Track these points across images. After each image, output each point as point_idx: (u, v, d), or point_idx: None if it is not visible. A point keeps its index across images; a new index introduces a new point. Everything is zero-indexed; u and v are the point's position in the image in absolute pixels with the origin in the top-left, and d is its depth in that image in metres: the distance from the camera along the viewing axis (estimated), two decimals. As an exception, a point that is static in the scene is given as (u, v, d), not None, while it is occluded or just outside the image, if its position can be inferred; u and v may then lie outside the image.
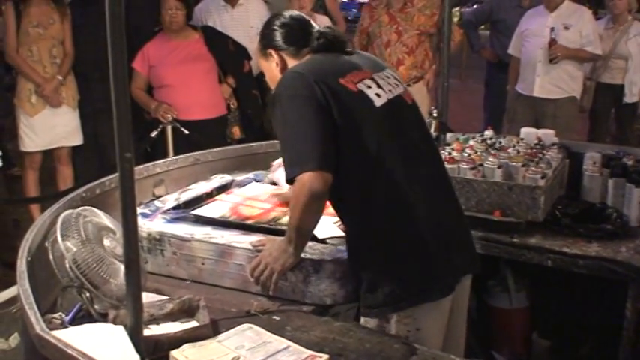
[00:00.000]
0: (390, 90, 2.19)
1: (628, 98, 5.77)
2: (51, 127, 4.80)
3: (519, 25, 5.38)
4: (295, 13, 2.38)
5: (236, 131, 4.78)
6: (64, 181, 4.98)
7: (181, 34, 4.51)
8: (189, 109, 4.44)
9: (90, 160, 5.14)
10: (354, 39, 5.08)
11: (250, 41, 5.03)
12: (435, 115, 3.39)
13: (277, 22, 2.28)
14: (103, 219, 2.17)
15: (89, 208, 2.17)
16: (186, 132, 4.39)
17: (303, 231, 2.09)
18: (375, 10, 5.04)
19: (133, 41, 4.54)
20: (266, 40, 2.29)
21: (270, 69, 2.30)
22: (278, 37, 2.25)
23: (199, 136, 4.34)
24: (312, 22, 2.33)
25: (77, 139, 4.95)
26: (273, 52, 2.26)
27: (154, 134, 4.43)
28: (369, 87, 2.14)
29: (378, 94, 2.14)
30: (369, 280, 2.08)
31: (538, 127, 4.99)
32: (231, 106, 4.75)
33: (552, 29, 5.00)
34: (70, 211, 2.10)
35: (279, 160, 2.83)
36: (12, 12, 4.62)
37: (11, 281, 2.35)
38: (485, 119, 6.29)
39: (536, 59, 5.13)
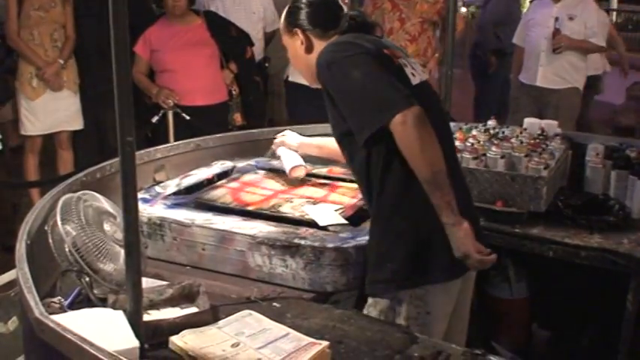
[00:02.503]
0: (419, 73, 2.16)
1: None
2: (52, 110, 4.78)
3: (524, 15, 5.36)
4: None
5: (237, 118, 4.75)
6: (64, 165, 4.96)
7: (184, 18, 4.48)
8: (190, 94, 4.41)
9: (91, 144, 5.12)
10: None
11: (253, 27, 5.04)
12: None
13: (305, 1, 2.22)
14: (104, 203, 2.15)
15: (89, 192, 2.15)
16: (188, 117, 4.36)
17: (438, 175, 1.89)
18: None
19: (134, 25, 4.52)
20: (291, 18, 2.23)
21: (294, 47, 2.24)
22: (304, 16, 2.20)
23: (201, 121, 4.32)
24: (341, 4, 2.27)
25: (78, 124, 4.93)
26: (298, 31, 2.21)
27: (155, 119, 4.40)
28: (406, 65, 2.11)
29: (413, 74, 2.11)
30: (380, 254, 2.05)
31: (541, 117, 5.01)
32: (233, 92, 4.72)
33: (557, 19, 4.98)
34: (70, 195, 2.08)
35: (283, 137, 2.91)
36: (14, -5, 4.59)
37: (10, 265, 2.33)
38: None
39: (540, 49, 5.11)
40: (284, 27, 2.27)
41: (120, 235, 2.04)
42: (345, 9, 2.26)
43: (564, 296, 3.11)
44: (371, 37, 2.16)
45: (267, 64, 5.26)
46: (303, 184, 2.73)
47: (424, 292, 2.04)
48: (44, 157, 5.05)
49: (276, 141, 2.92)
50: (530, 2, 8.06)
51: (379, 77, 1.95)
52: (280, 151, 2.88)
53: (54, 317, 1.72)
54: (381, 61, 2.01)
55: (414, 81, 2.09)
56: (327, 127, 3.21)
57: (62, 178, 4.70)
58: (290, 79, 4.93)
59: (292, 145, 2.85)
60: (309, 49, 2.20)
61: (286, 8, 2.28)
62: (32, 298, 1.74)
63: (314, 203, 2.52)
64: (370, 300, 2.10)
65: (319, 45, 2.16)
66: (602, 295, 2.90)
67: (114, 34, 1.56)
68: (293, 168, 2.75)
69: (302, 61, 2.24)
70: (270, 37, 5.30)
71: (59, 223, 2.00)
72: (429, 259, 2.03)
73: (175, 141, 4.26)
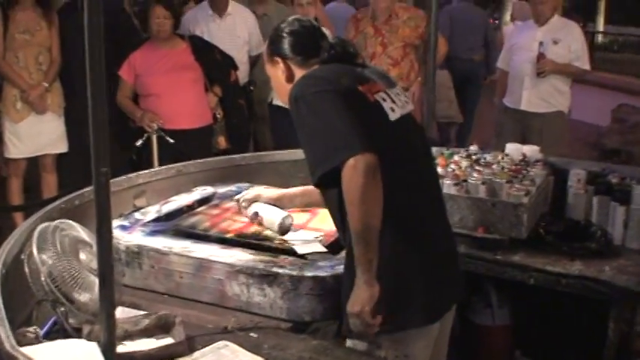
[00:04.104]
0: (401, 106, 2.12)
1: None
2: (36, 133, 4.77)
3: (508, 39, 5.38)
4: (306, 20, 2.30)
5: (222, 141, 4.75)
6: (48, 188, 4.94)
7: (168, 42, 4.48)
8: (175, 118, 4.40)
9: (75, 167, 5.09)
10: None
11: (237, 51, 5.04)
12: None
13: (286, 29, 2.21)
14: (80, 232, 2.14)
15: (66, 221, 2.13)
16: (172, 141, 4.36)
17: (369, 231, 1.86)
18: (360, 22, 5.03)
19: (121, 49, 4.52)
20: (273, 47, 2.22)
21: (276, 75, 2.23)
22: (286, 44, 2.19)
23: (185, 145, 4.31)
24: (324, 32, 2.26)
25: (62, 147, 4.92)
26: (279, 60, 2.20)
27: (139, 143, 4.39)
28: (384, 100, 2.07)
29: (392, 109, 2.07)
30: None
31: (525, 141, 5.02)
32: (217, 115, 4.72)
33: (541, 43, 5.00)
34: (46, 223, 2.07)
35: (253, 192, 2.68)
36: (-1, 17, 4.59)
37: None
38: None
39: (524, 73, 5.11)
40: (266, 55, 2.27)
41: (95, 265, 2.02)
42: (329, 36, 2.26)
43: (547, 323, 3.10)
44: (350, 70, 2.13)
45: (252, 88, 5.26)
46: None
47: (403, 336, 2.01)
48: (28, 180, 5.02)
49: (246, 197, 2.65)
50: (512, 21, 8.15)
51: (342, 117, 1.90)
52: (256, 207, 2.58)
53: (26, 349, 1.70)
54: (350, 99, 1.96)
55: (393, 116, 2.06)
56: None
57: (46, 202, 4.69)
58: (274, 102, 4.94)
59: (271, 198, 2.63)
60: (289, 78, 2.18)
61: (269, 37, 2.28)
62: (3, 331, 1.71)
63: (294, 230, 2.50)
64: (349, 342, 2.05)
65: (300, 73, 2.15)
66: (585, 322, 2.89)
67: (89, 67, 1.55)
68: (283, 220, 2.48)
69: (283, 90, 2.21)
70: (255, 61, 5.31)
71: (35, 252, 1.99)
72: (408, 302, 2.00)
73: (160, 164, 4.28)
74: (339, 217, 2.06)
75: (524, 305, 3.13)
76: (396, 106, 2.09)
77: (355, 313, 1.91)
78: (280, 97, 2.28)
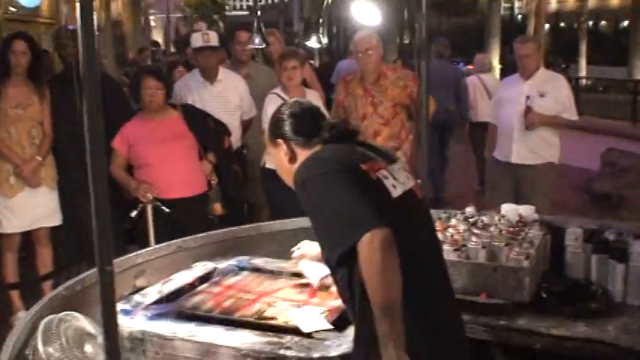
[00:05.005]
0: (402, 183, 2.14)
1: None
2: (30, 207, 4.74)
3: (495, 93, 5.46)
4: (306, 102, 2.37)
5: (217, 207, 4.75)
6: (43, 263, 4.88)
7: (161, 112, 4.51)
8: (170, 187, 4.41)
9: (70, 240, 5.08)
10: (330, 112, 5.11)
11: (230, 116, 5.09)
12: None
13: (287, 112, 2.26)
14: (85, 324, 2.13)
15: (70, 312, 2.13)
16: (167, 210, 4.36)
17: (392, 304, 1.85)
18: (350, 84, 5.09)
19: (113, 122, 4.54)
20: (275, 129, 2.27)
21: (279, 157, 2.27)
22: (287, 126, 2.23)
23: (180, 214, 4.31)
24: (324, 112, 2.31)
25: (56, 219, 4.88)
26: (281, 142, 2.24)
27: (134, 214, 4.39)
28: (386, 177, 2.09)
29: (394, 186, 2.10)
30: None
31: (518, 193, 5.07)
32: (212, 182, 4.74)
33: (528, 97, 5.08)
34: (51, 316, 2.06)
35: (302, 250, 2.81)
36: (-10, 94, 4.62)
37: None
38: None
39: (512, 126, 5.18)
40: (268, 137, 2.31)
41: (101, 357, 2.00)
42: (327, 115, 2.30)
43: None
44: (352, 149, 2.17)
45: (245, 152, 5.30)
46: (285, 286, 2.72)
47: None
48: (22, 252, 4.99)
49: (295, 254, 2.84)
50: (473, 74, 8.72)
51: (351, 195, 1.94)
52: (302, 264, 2.77)
53: None
54: (355, 178, 2.00)
55: (395, 193, 2.08)
56: (305, 220, 3.23)
57: (42, 278, 4.66)
58: (267, 166, 4.97)
59: (314, 256, 2.73)
60: (292, 159, 2.22)
61: (269, 119, 2.33)
62: None
63: (298, 306, 2.50)
64: None
65: (303, 154, 2.19)
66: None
67: (90, 166, 1.57)
68: (323, 279, 2.61)
69: (286, 171, 2.25)
70: (248, 125, 5.36)
71: (40, 345, 1.98)
72: None
73: (155, 234, 4.28)
74: (349, 295, 2.06)
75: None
76: (397, 182, 2.12)
77: None
78: (284, 178, 2.30)
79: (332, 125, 2.23)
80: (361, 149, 2.19)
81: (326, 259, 2.09)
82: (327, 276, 2.51)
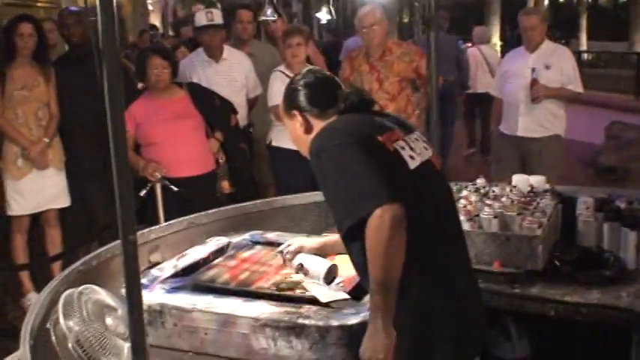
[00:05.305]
0: (420, 153, 2.13)
1: None
2: (38, 189, 4.75)
3: (500, 66, 5.44)
4: (320, 72, 2.33)
5: (225, 185, 4.76)
6: (52, 243, 4.90)
7: (167, 92, 4.51)
8: (178, 166, 4.41)
9: (78, 220, 5.09)
10: None
11: (236, 95, 5.09)
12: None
13: (302, 82, 2.23)
14: (105, 296, 2.14)
15: (90, 286, 2.14)
16: (176, 189, 4.36)
17: (390, 280, 1.88)
18: (355, 60, 5.08)
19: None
20: (289, 100, 2.25)
21: (294, 129, 2.25)
22: (302, 97, 2.21)
23: (189, 192, 4.32)
24: (339, 82, 2.29)
25: (65, 201, 4.89)
26: (297, 113, 2.22)
27: (142, 193, 4.39)
28: (403, 148, 2.08)
29: (411, 157, 2.08)
30: None
31: (525, 166, 5.06)
32: (220, 160, 4.74)
33: (533, 69, 5.06)
34: (71, 290, 2.08)
35: (294, 245, 2.67)
36: (-4, 76, 4.61)
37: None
38: None
39: (518, 99, 5.17)
40: (283, 109, 2.29)
41: (122, 329, 2.03)
42: (343, 86, 2.29)
43: (568, 353, 3.10)
44: (368, 119, 2.15)
45: (251, 130, 5.30)
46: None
47: None
48: (31, 234, 5.01)
49: (289, 249, 2.65)
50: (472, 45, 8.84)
51: (366, 168, 1.92)
52: (301, 258, 2.57)
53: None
54: (371, 150, 1.99)
55: (413, 164, 2.07)
56: (315, 195, 3.24)
57: (52, 259, 4.68)
58: (273, 144, 4.97)
59: (313, 248, 2.64)
60: (308, 130, 2.20)
61: (284, 90, 2.30)
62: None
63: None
64: None
65: (318, 125, 2.17)
66: (607, 350, 2.89)
67: (113, 143, 1.56)
68: (329, 270, 2.47)
69: (302, 142, 2.23)
70: (253, 103, 5.35)
71: (61, 319, 1.99)
72: (437, 351, 2.00)
73: (165, 213, 4.28)
74: (362, 265, 2.04)
75: (545, 335, 3.12)
76: (414, 153, 2.11)
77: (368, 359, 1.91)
78: (300, 149, 2.29)
79: (348, 95, 2.21)
80: (379, 119, 2.18)
81: (338, 229, 2.09)
82: (332, 266, 2.47)
